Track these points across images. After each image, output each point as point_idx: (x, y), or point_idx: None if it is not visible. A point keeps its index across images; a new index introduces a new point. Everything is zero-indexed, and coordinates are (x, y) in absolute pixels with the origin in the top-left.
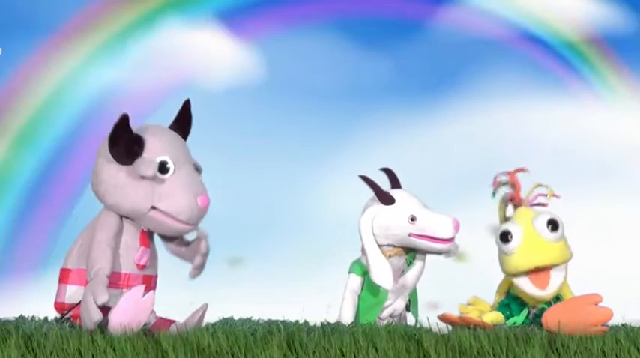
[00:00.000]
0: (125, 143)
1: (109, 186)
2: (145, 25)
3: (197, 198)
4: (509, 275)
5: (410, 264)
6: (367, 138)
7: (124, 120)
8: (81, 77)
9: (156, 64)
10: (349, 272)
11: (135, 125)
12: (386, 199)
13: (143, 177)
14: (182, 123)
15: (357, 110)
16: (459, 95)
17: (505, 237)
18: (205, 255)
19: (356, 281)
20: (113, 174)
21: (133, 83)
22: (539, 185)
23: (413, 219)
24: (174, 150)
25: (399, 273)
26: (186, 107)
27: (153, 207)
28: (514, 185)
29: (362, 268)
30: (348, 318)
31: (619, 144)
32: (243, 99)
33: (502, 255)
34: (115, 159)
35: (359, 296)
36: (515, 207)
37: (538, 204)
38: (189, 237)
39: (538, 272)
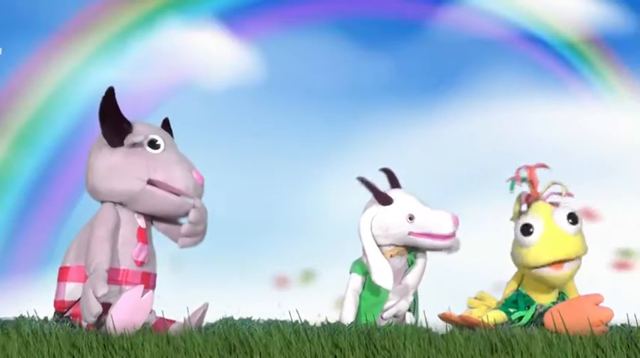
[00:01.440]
0: (113, 115)
1: (104, 170)
2: (145, 25)
3: (192, 171)
4: (527, 267)
5: (412, 264)
6: (367, 138)
7: (110, 92)
8: (81, 77)
9: (156, 64)
10: (350, 272)
11: None
12: (383, 199)
13: (134, 145)
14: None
15: (357, 110)
16: (459, 95)
17: (527, 229)
18: (193, 223)
19: (357, 280)
20: (107, 158)
21: (133, 83)
22: (555, 183)
23: (411, 218)
24: (163, 134)
25: (401, 274)
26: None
27: (149, 182)
28: (532, 181)
29: (363, 268)
30: (349, 318)
31: (619, 144)
32: (243, 99)
33: (520, 249)
34: (106, 135)
35: (360, 296)
36: (530, 203)
37: (551, 203)
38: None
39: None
